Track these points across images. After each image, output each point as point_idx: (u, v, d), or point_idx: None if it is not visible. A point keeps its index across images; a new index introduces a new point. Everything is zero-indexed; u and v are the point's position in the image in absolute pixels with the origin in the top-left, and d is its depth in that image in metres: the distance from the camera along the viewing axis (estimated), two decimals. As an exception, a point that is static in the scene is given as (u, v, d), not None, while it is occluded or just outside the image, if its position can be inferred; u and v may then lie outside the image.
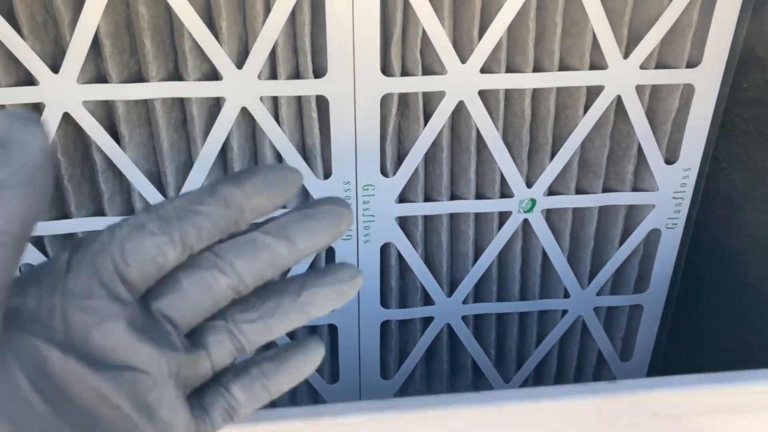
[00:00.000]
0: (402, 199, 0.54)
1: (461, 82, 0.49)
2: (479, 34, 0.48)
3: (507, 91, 0.51)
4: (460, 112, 0.51)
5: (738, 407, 0.27)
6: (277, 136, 0.50)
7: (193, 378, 0.23)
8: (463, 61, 0.48)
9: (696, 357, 0.63)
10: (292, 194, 0.24)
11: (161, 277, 0.22)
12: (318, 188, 0.52)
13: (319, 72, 0.48)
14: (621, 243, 0.58)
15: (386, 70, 0.49)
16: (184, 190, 0.51)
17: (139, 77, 0.48)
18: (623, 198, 0.56)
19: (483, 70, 0.49)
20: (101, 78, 0.47)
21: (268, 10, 0.45)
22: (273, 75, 0.48)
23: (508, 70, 0.50)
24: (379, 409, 0.26)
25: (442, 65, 0.48)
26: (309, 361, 0.25)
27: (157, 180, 0.52)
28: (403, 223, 0.56)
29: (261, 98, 0.48)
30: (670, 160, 0.55)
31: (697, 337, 0.63)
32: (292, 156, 0.50)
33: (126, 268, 0.22)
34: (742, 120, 0.55)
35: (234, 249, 0.23)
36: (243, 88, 0.48)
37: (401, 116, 0.52)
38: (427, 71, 0.49)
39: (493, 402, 0.27)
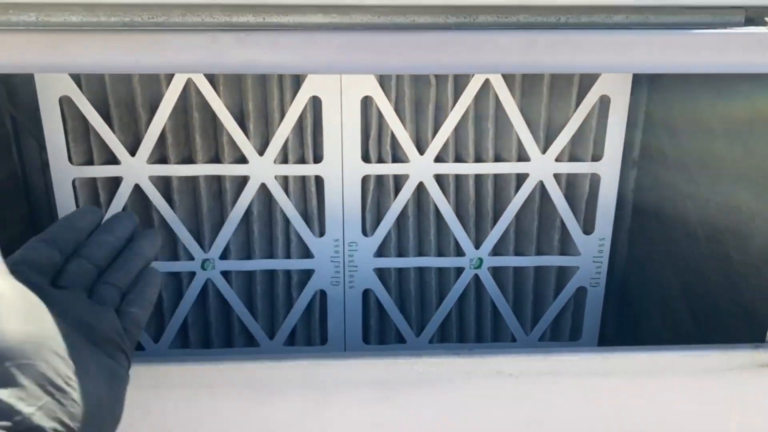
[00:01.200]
0: (379, 254, 0.71)
1: (421, 168, 0.67)
2: (433, 135, 0.66)
3: (456, 176, 0.69)
4: (422, 190, 0.69)
5: (555, 371, 0.42)
6: (286, 205, 0.68)
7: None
8: (422, 153, 0.66)
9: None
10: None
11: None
12: (315, 244, 0.69)
13: (317, 159, 0.67)
14: (555, 297, 0.73)
15: (366, 158, 0.67)
16: (216, 241, 0.69)
17: (190, 160, 0.68)
18: (552, 260, 0.72)
19: (437, 160, 0.67)
20: (163, 160, 0.67)
21: (282, 116, 0.65)
22: (284, 160, 0.67)
23: (456, 161, 0.68)
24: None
25: (407, 155, 0.66)
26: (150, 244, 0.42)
27: (197, 234, 0.70)
28: (381, 274, 0.72)
29: (276, 177, 0.67)
30: (587, 231, 0.71)
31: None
32: (296, 219, 0.68)
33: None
34: (645, 200, 0.72)
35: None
36: (263, 170, 0.66)
37: (378, 192, 0.70)
38: (396, 159, 0.67)
39: (392, 357, 0.42)
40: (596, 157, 0.68)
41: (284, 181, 0.68)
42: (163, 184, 0.68)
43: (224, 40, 0.34)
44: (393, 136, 0.66)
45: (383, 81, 0.64)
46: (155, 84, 0.64)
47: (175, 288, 0.72)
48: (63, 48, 0.33)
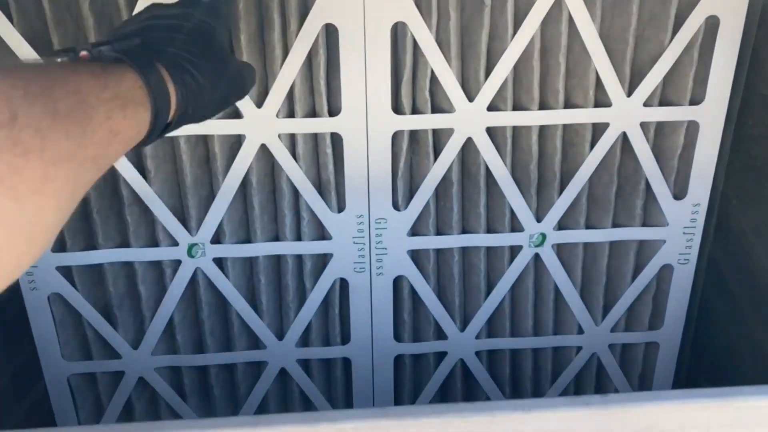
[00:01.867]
0: (414, 233, 0.56)
1: (469, 119, 0.51)
2: (485, 75, 0.50)
3: (514, 129, 0.53)
4: (469, 148, 0.53)
5: (731, 423, 0.28)
6: (294, 172, 0.52)
7: None
8: (471, 99, 0.50)
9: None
10: None
11: None
12: (333, 222, 0.54)
13: (333, 111, 0.51)
14: (633, 279, 0.59)
15: (397, 108, 0.51)
16: (206, 221, 0.54)
17: None
18: (633, 233, 0.56)
19: (490, 108, 0.51)
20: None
21: (286, 53, 0.49)
22: (290, 114, 0.51)
23: (515, 109, 0.52)
24: (373, 416, 0.28)
25: (451, 104, 0.51)
26: None
27: (180, 213, 0.54)
28: (416, 256, 0.57)
29: (279, 136, 0.51)
30: (678, 196, 0.56)
31: (717, 374, 0.62)
32: (308, 190, 0.53)
33: None
34: (749, 156, 0.56)
35: None
36: (262, 126, 0.51)
37: (412, 153, 0.54)
38: (436, 109, 0.51)
39: (486, 412, 0.28)
40: (695, 101, 0.52)
41: (290, 141, 0.52)
42: (134, 153, 0.52)
43: None
44: (433, 78, 0.50)
45: (420, 1, 0.48)
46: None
47: (157, 280, 0.57)
48: None
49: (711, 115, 0.52)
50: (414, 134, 0.53)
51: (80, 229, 0.54)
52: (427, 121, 0.51)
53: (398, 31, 0.49)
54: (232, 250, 0.55)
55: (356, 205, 0.53)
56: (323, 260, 0.57)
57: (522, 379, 0.63)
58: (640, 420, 0.28)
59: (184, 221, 0.54)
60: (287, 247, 0.55)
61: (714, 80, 0.51)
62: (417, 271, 0.57)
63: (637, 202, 0.56)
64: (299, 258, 0.57)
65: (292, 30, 0.48)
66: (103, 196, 0.53)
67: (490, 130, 0.52)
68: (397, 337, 0.60)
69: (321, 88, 0.50)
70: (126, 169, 0.51)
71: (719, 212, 0.59)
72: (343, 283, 0.57)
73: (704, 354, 0.63)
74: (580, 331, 0.60)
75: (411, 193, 0.55)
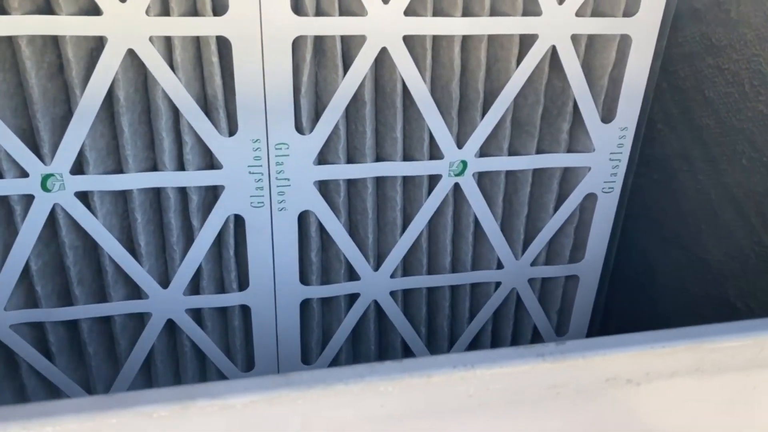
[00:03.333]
0: (321, 161, 0.49)
1: (384, 24, 0.43)
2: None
3: (435, 39, 0.46)
4: (383, 61, 0.46)
5: (703, 367, 0.24)
6: (172, 85, 0.43)
7: None
8: (386, 1, 0.43)
9: (633, 329, 0.61)
10: None
11: None
12: (223, 148, 0.45)
13: (219, 9, 0.42)
14: (555, 209, 0.55)
15: (299, 9, 0.43)
16: (62, 146, 0.43)
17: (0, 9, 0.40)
18: (559, 160, 0.52)
19: (407, 13, 0.44)
20: (-50, 10, 0.39)
21: None
22: (165, 11, 0.41)
23: (435, 14, 0.45)
24: (272, 386, 0.21)
25: (362, 5, 0.43)
26: None
27: (30, 137, 0.44)
28: (324, 188, 0.50)
29: (151, 38, 0.41)
30: (606, 119, 0.51)
31: (634, 308, 0.61)
32: (190, 109, 0.44)
33: None
34: (677, 77, 0.53)
35: None
36: (128, 26, 0.40)
37: (317, 65, 0.46)
38: (345, 12, 0.43)
39: (419, 371, 0.22)
40: (629, 12, 0.48)
41: (166, 46, 0.43)
42: None
43: None
44: (341, -27, 0.42)
45: None
46: None
47: (4, 221, 0.46)
48: None
49: (644, 29, 0.48)
50: (319, 42, 0.45)
51: None
52: (334, 25, 0.43)
53: None
54: (97, 182, 0.45)
55: (251, 128, 0.45)
56: (213, 193, 0.48)
57: (439, 319, 0.59)
58: (601, 370, 0.24)
59: (34, 147, 0.44)
60: (167, 179, 0.46)
61: (650, -11, 0.47)
62: (325, 204, 0.50)
63: (563, 126, 0.51)
64: (183, 191, 0.48)
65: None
66: None
67: (407, 40, 0.45)
68: (304, 279, 0.53)
69: None
70: None
71: (644, 137, 0.56)
72: (239, 220, 0.49)
73: (623, 287, 0.61)
74: (500, 266, 0.56)
75: (317, 114, 0.47)
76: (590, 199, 0.55)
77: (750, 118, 0.45)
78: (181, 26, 0.41)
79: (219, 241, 0.50)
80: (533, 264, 0.57)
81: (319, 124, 0.46)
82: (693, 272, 0.54)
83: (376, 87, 0.47)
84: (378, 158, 0.50)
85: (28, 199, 0.45)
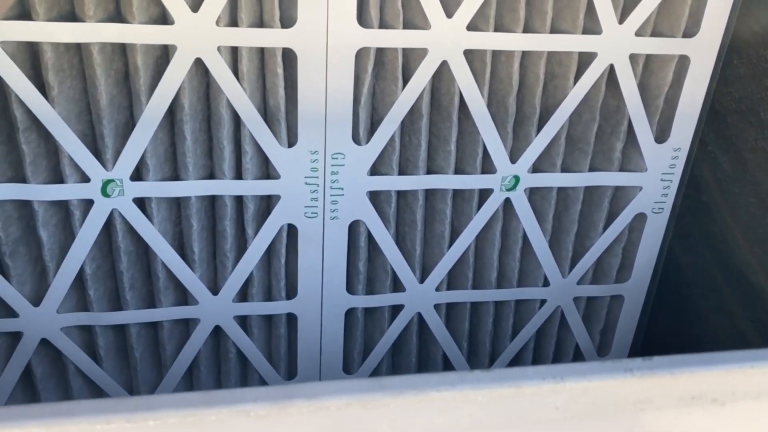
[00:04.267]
0: (374, 172, 0.49)
1: (446, 38, 0.44)
2: (467, -15, 0.43)
3: (494, 54, 0.46)
4: (441, 75, 0.46)
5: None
6: (236, 94, 0.43)
7: None
8: (449, 15, 0.43)
9: (676, 352, 0.60)
10: None
11: None
12: (282, 158, 0.46)
13: (286, 21, 0.42)
14: (605, 228, 0.55)
15: (362, 21, 0.43)
16: (125, 153, 0.44)
17: (73, 16, 0.41)
18: (611, 178, 0.52)
19: (470, 28, 0.44)
20: (25, 14, 0.40)
21: None
22: (233, 22, 0.42)
23: (496, 30, 0.45)
24: (364, 389, 0.21)
25: (426, 19, 0.43)
26: None
27: (92, 142, 0.45)
28: (374, 199, 0.50)
29: (219, 48, 0.42)
30: (659, 139, 0.51)
31: (678, 330, 0.60)
32: (253, 119, 0.44)
33: None
34: (732, 99, 0.52)
35: None
36: (197, 36, 0.41)
37: (377, 76, 0.46)
38: (408, 25, 0.44)
39: (509, 381, 0.22)
40: (689, 33, 0.48)
41: (232, 55, 0.43)
42: (29, 58, 0.42)
43: None
44: (406, -13, 0.42)
45: None
46: None
47: (62, 224, 0.47)
48: None
49: (703, 50, 0.48)
50: (381, 53, 0.45)
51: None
52: (397, 38, 0.44)
53: (369, -75, 0.41)
54: (156, 189, 0.46)
55: (310, 139, 0.46)
56: (268, 203, 0.49)
57: (481, 334, 0.58)
58: (688, 387, 0.23)
59: (96, 152, 0.44)
60: (225, 187, 0.47)
61: (710, 11, 0.47)
62: (376, 215, 0.50)
63: (617, 145, 0.51)
64: (239, 200, 0.48)
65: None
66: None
67: (467, 53, 0.45)
68: (350, 289, 0.53)
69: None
70: (19, 82, 0.40)
71: (695, 158, 0.55)
72: (291, 229, 0.50)
73: (668, 308, 0.61)
74: (546, 283, 0.56)
75: (373, 125, 0.47)
76: (640, 219, 0.55)
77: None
78: (250, 37, 0.42)
79: (270, 249, 0.50)
80: (579, 282, 0.57)
81: (375, 136, 0.47)
82: (742, 296, 0.53)
83: (433, 100, 0.48)
84: (430, 171, 0.50)
85: (87, 204, 0.46)
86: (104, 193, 0.45)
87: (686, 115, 0.50)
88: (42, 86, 0.42)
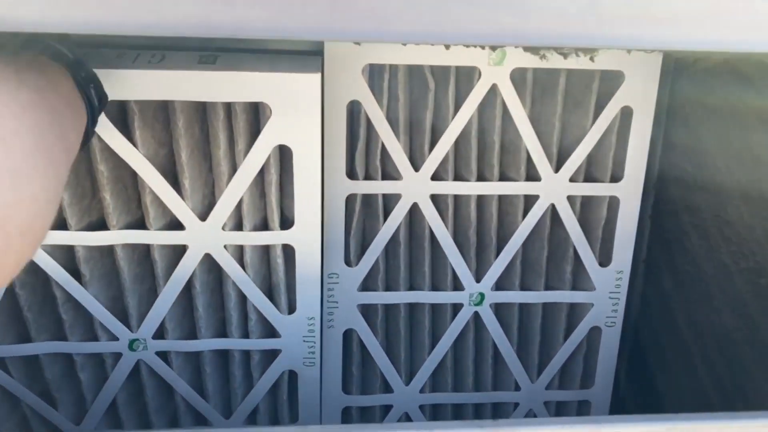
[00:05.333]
0: (364, 288, 0.61)
1: (415, 187, 0.57)
2: (430, 149, 0.56)
3: (455, 197, 0.59)
4: (415, 213, 0.59)
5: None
6: (242, 280, 0.54)
7: None
8: (416, 169, 0.57)
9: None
10: None
11: None
12: (282, 322, 0.56)
13: (285, 220, 0.53)
14: (565, 339, 0.64)
15: (352, 174, 0.57)
16: (147, 320, 0.55)
17: (102, 224, 0.52)
18: (563, 296, 0.62)
19: (434, 178, 0.57)
20: (61, 225, 0.51)
21: (234, 169, 0.51)
22: (238, 224, 0.53)
23: (456, 179, 0.58)
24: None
25: (399, 172, 0.57)
26: None
27: (121, 307, 0.55)
28: (365, 311, 0.61)
29: (225, 246, 0.53)
30: (604, 264, 0.61)
31: None
32: (256, 296, 0.55)
33: None
34: (663, 229, 0.63)
35: None
36: (206, 238, 0.52)
37: (364, 215, 0.59)
38: (386, 177, 0.57)
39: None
40: (615, 178, 0.59)
41: (238, 249, 0.55)
42: (65, 254, 0.53)
43: None
44: (383, 150, 0.56)
45: (373, 83, 0.54)
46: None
47: (97, 369, 0.58)
48: None
49: (629, 192, 0.59)
50: (366, 198, 0.58)
51: (11, 325, 0.54)
52: (377, 187, 0.57)
53: (354, 109, 0.56)
54: (175, 346, 0.57)
55: (308, 307, 0.56)
56: (273, 353, 0.59)
57: (464, 434, 0.66)
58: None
59: (124, 316, 0.55)
60: (234, 343, 0.58)
61: (630, 161, 0.58)
62: (366, 325, 0.61)
63: (567, 268, 0.61)
64: (247, 351, 0.59)
65: (240, 149, 0.50)
66: (35, 295, 0.53)
67: (433, 197, 0.58)
68: (345, 388, 0.63)
69: (273, 203, 0.52)
70: (58, 274, 0.52)
71: (644, 278, 0.65)
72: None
73: (633, 411, 0.67)
74: (517, 387, 0.65)
75: (362, 251, 0.60)
76: (596, 331, 0.63)
77: (715, 267, 0.55)
78: (252, 237, 0.53)
79: (273, 389, 0.60)
80: (548, 388, 0.65)
81: (363, 259, 0.59)
82: (692, 394, 0.60)
83: (410, 232, 0.60)
84: (410, 288, 0.61)
85: (117, 356, 0.57)
86: (131, 348, 0.56)
87: (624, 243, 0.61)
88: (77, 274, 0.52)
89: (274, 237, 0.54)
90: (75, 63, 0.37)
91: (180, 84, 0.47)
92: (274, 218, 0.53)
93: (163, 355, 0.58)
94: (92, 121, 0.38)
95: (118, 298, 0.55)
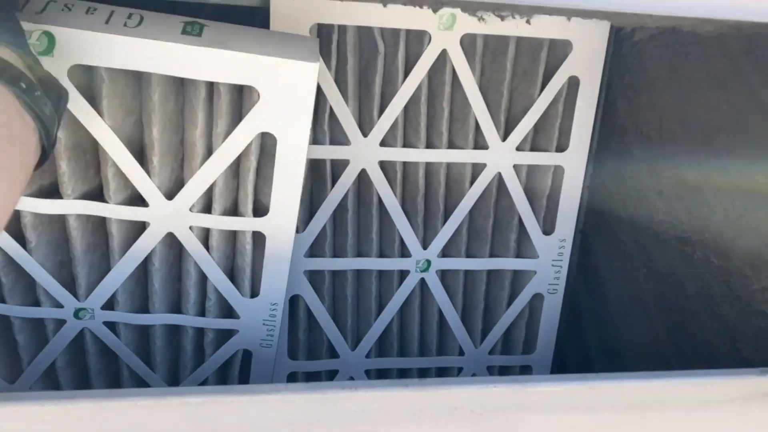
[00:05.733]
0: (311, 254, 0.60)
1: (363, 152, 0.57)
2: (379, 114, 0.56)
3: (404, 164, 0.59)
4: (363, 179, 0.59)
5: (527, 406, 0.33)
6: (205, 262, 0.52)
7: None
8: (365, 135, 0.56)
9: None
10: None
11: None
12: (243, 305, 0.54)
13: (258, 206, 0.51)
14: (509, 306, 0.65)
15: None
16: (96, 290, 0.52)
17: (55, 189, 0.48)
18: (507, 263, 0.63)
19: (382, 144, 0.57)
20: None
21: (209, 150, 0.48)
22: (207, 206, 0.50)
23: (404, 146, 0.58)
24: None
25: (347, 137, 0.56)
26: None
27: (68, 275, 0.52)
28: (312, 277, 0.61)
29: (191, 227, 0.51)
30: (547, 232, 0.63)
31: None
32: (219, 279, 0.53)
33: None
34: (601, 200, 0.64)
35: None
36: (171, 218, 0.49)
37: (313, 180, 0.59)
38: (334, 142, 0.57)
39: (314, 391, 0.32)
40: (561, 148, 0.60)
41: (204, 231, 0.52)
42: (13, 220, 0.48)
43: None
44: (332, 114, 0.55)
45: (322, 47, 0.53)
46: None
47: (37, 332, 0.56)
48: None
49: (574, 161, 0.60)
50: (314, 163, 0.58)
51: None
52: (325, 152, 0.56)
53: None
54: (126, 318, 0.54)
55: (272, 293, 0.54)
56: (229, 331, 0.57)
57: (408, 398, 0.67)
58: (450, 400, 0.33)
59: (71, 282, 0.52)
60: (189, 320, 0.56)
61: (576, 131, 0.59)
62: (313, 291, 0.61)
63: (511, 236, 0.63)
64: (201, 328, 0.57)
65: (219, 131, 0.47)
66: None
67: (382, 164, 0.58)
68: (292, 354, 0.63)
69: (248, 189, 0.49)
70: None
71: (581, 247, 0.67)
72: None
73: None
74: (461, 353, 0.66)
75: (310, 216, 0.59)
76: (538, 298, 0.65)
77: (648, 237, 0.57)
78: (222, 222, 0.50)
79: (225, 367, 0.59)
80: (491, 353, 0.67)
81: (310, 225, 0.58)
82: (621, 360, 0.63)
83: (358, 199, 0.60)
84: (358, 254, 0.61)
85: (59, 322, 0.54)
86: (76, 316, 0.53)
87: (567, 212, 0.62)
88: (22, 239, 0.48)
89: (246, 223, 0.50)
90: (25, 83, 0.33)
91: (160, 57, 0.42)
92: (248, 204, 0.50)
93: (111, 325, 0.55)
94: (48, 139, 0.34)
95: (66, 263, 0.52)
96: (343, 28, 0.53)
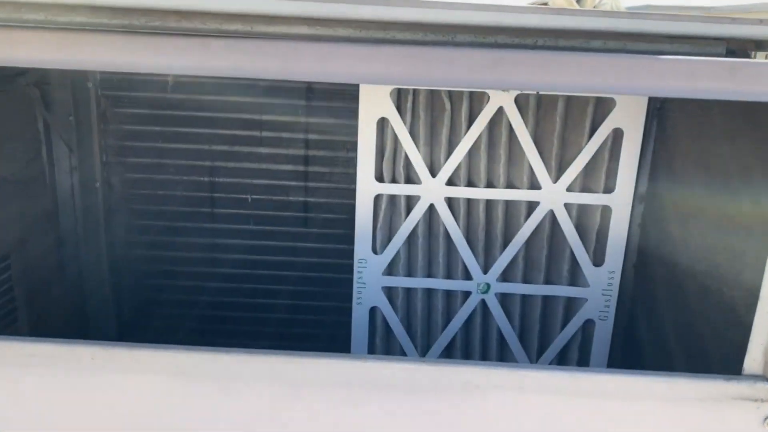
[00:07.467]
0: (388, 272, 0.73)
1: (432, 190, 0.68)
2: (445, 159, 0.68)
3: (467, 201, 0.70)
4: (432, 212, 0.70)
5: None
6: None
7: None
8: (434, 175, 0.68)
9: None
10: None
11: None
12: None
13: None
14: (562, 329, 0.72)
15: (380, 178, 0.69)
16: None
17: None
18: (560, 290, 0.71)
19: (449, 183, 0.68)
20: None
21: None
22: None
23: (468, 185, 0.69)
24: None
25: (419, 177, 0.68)
26: None
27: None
28: (388, 293, 0.73)
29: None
30: (597, 264, 0.70)
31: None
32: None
33: None
34: (650, 237, 0.70)
35: None
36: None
37: (390, 212, 0.71)
38: (408, 181, 0.69)
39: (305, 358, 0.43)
40: (608, 190, 0.68)
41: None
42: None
43: (215, 45, 0.38)
44: (407, 159, 0.68)
45: (400, 103, 0.67)
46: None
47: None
48: (68, 47, 0.37)
49: (620, 201, 0.68)
50: (391, 198, 0.70)
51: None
52: (400, 189, 0.69)
53: (383, 124, 0.68)
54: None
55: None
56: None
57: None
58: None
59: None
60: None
61: (621, 175, 0.67)
62: (389, 303, 0.73)
63: (564, 266, 0.70)
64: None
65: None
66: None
67: (448, 200, 0.69)
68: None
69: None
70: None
71: (636, 279, 0.73)
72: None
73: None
74: (519, 369, 0.74)
75: (387, 242, 0.72)
76: (590, 324, 0.72)
77: (698, 262, 0.62)
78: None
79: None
80: (547, 372, 0.74)
81: (387, 248, 0.71)
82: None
83: (428, 229, 0.72)
84: (427, 275, 0.73)
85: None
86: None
87: (615, 246, 0.69)
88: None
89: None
90: None
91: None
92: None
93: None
94: None
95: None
96: (417, 91, 0.66)
